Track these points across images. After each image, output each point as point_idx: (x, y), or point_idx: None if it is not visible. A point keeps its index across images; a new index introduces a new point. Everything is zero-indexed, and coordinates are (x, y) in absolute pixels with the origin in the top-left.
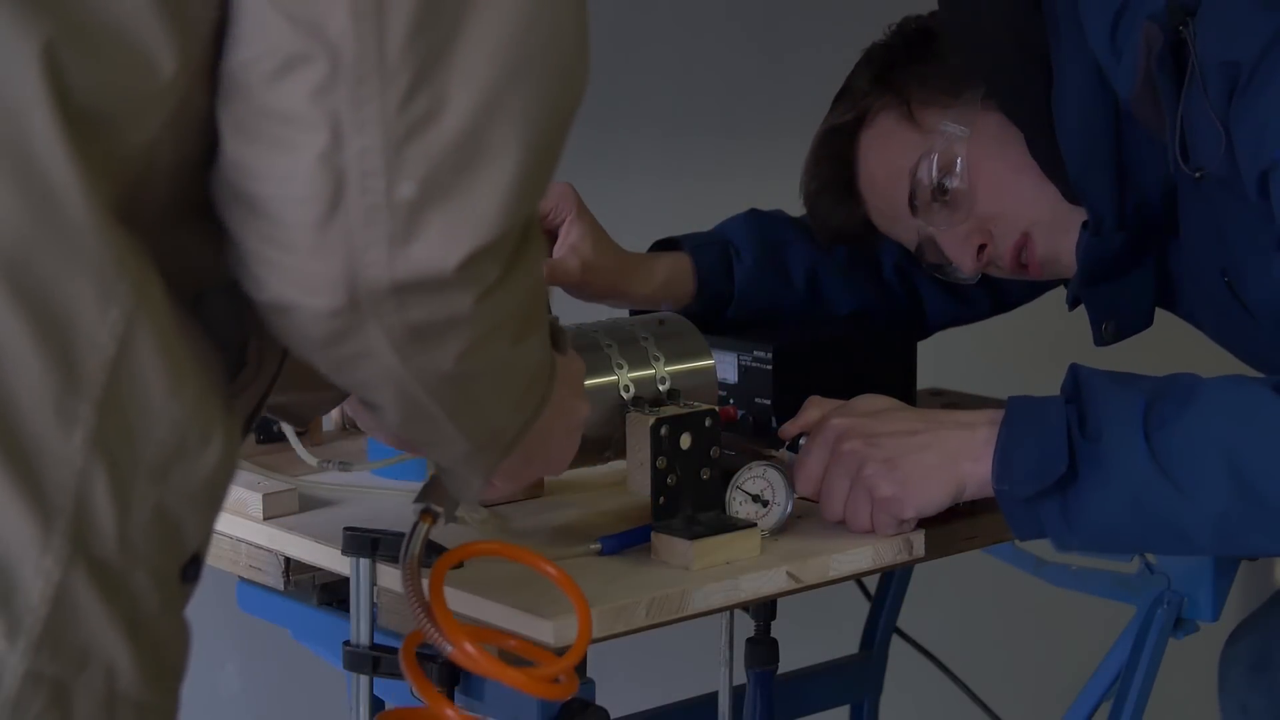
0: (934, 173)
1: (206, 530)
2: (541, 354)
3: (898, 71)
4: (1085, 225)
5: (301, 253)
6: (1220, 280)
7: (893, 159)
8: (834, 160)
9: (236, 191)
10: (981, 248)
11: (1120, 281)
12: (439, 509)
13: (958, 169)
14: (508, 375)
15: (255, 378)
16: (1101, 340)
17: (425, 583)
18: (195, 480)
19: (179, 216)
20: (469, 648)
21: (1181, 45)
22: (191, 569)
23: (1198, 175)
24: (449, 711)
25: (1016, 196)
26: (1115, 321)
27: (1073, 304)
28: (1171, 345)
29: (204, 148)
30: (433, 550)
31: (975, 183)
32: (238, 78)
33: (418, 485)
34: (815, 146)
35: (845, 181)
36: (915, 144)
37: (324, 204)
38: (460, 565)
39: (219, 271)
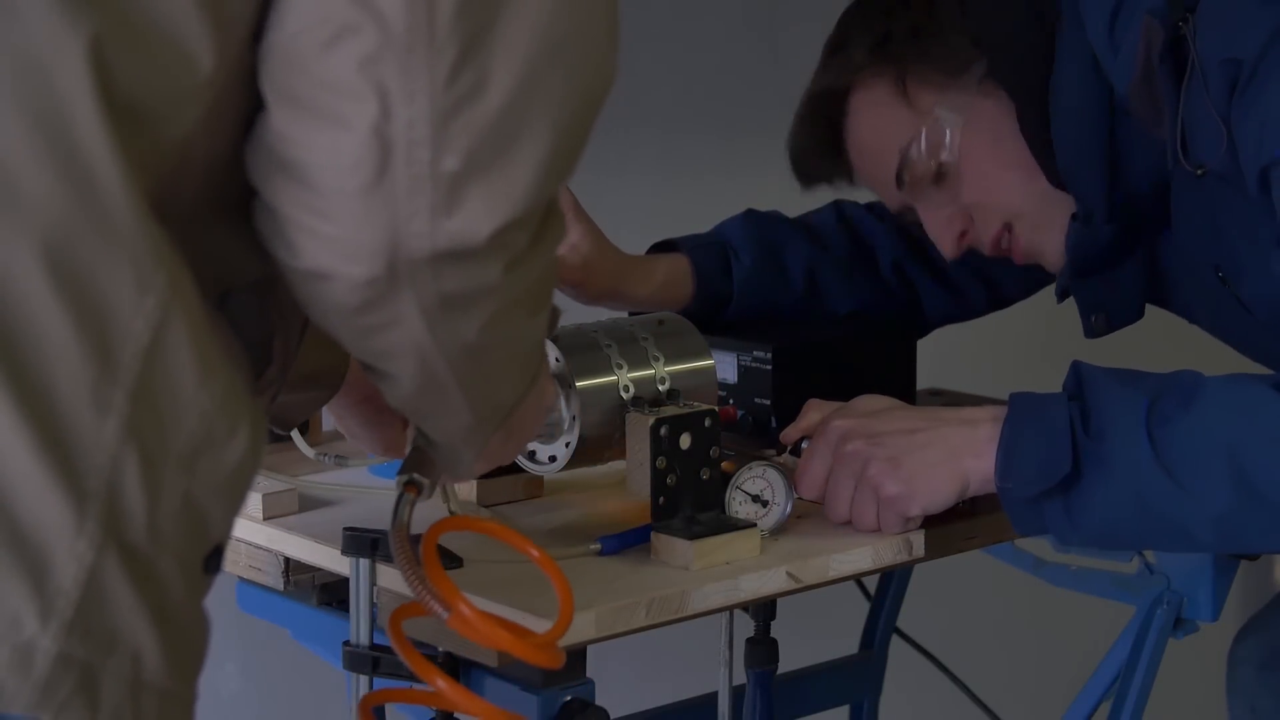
0: (924, 155)
1: (229, 522)
2: (544, 330)
3: (896, 43)
4: (1074, 217)
5: (343, 221)
6: (1214, 276)
7: (883, 133)
8: (823, 122)
9: (279, 160)
10: (963, 233)
11: (1110, 274)
12: (424, 480)
13: (948, 156)
14: (519, 348)
15: (279, 376)
16: (1092, 332)
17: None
18: (222, 471)
19: (209, 214)
20: (465, 609)
21: (1181, 41)
22: (214, 560)
23: (1199, 172)
24: (440, 681)
25: (1003, 189)
26: (1105, 313)
27: (1061, 296)
28: (1170, 342)
29: (235, 147)
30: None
31: (963, 171)
32: (288, 48)
33: None
34: (805, 107)
35: (832, 142)
36: (908, 122)
37: (370, 173)
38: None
39: (246, 270)
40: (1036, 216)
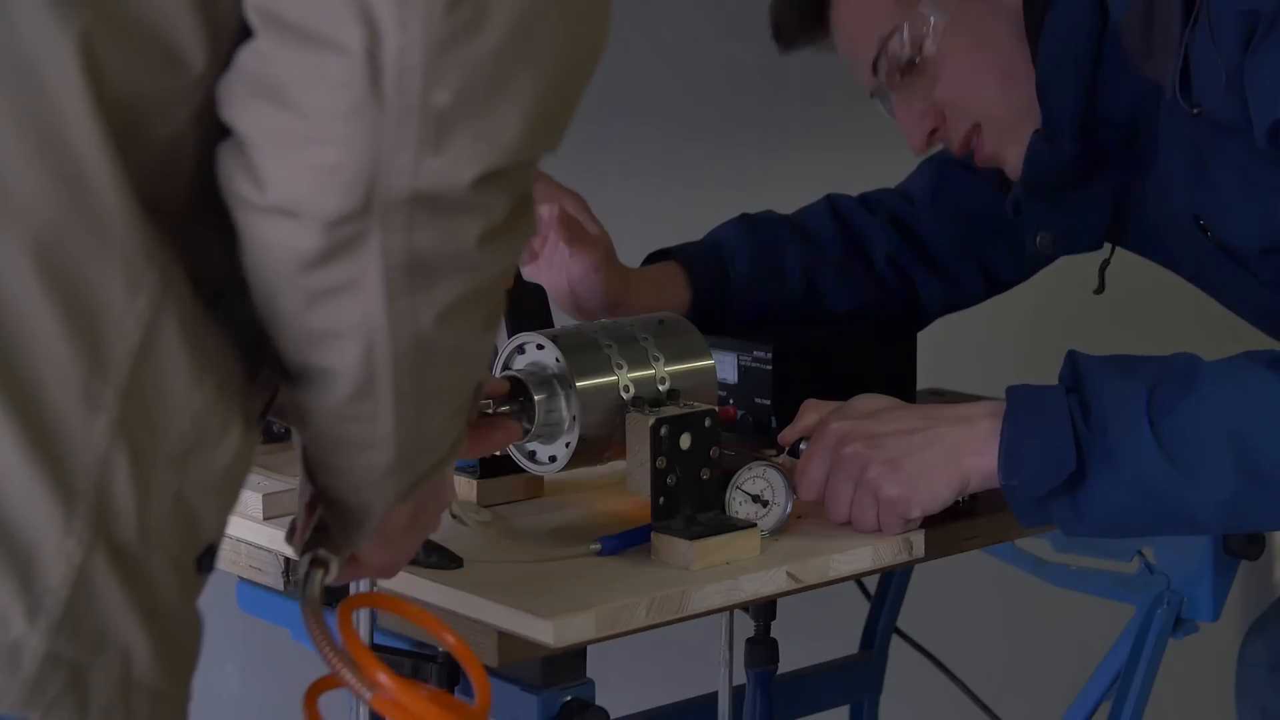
0: (904, 47)
1: (222, 522)
2: (482, 371)
3: None
4: (1037, 132)
5: (326, 144)
6: (1193, 224)
7: (867, 19)
8: None
9: (262, 82)
10: (933, 130)
11: (1065, 198)
12: (331, 557)
13: (928, 51)
14: (462, 369)
15: (273, 375)
16: (1034, 249)
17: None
18: (213, 471)
19: (202, 213)
20: (386, 682)
21: None
22: (206, 559)
23: (1196, 111)
24: None
25: (977, 91)
26: (1053, 235)
27: (1013, 209)
28: (1166, 335)
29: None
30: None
31: (941, 70)
32: None
33: None
34: None
35: (815, 12)
36: (892, 12)
37: (358, 94)
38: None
39: (240, 269)
40: (1004, 124)
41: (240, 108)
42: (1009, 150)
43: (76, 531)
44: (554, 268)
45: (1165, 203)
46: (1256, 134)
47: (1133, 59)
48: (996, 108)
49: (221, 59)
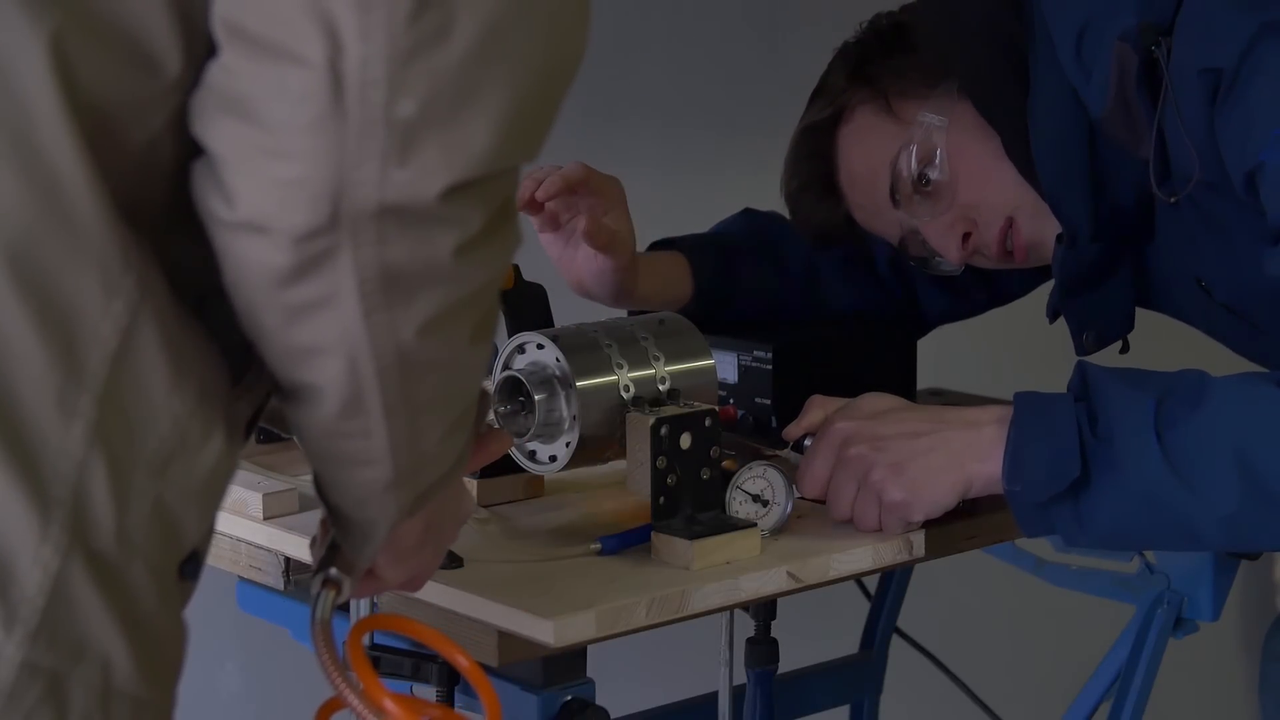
0: (914, 164)
1: (206, 528)
2: (479, 383)
3: (873, 66)
4: (1059, 239)
5: (290, 158)
6: (1196, 285)
7: (872, 152)
8: (813, 158)
9: (228, 97)
10: (966, 236)
11: (1098, 290)
12: (343, 578)
13: (938, 159)
14: (454, 382)
15: (258, 381)
16: (1083, 350)
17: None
18: (195, 477)
19: (180, 217)
20: (390, 705)
21: (1154, 64)
22: (190, 566)
23: (1172, 200)
24: None
25: (998, 183)
26: (1095, 330)
27: (1053, 316)
28: (1170, 340)
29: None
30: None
31: (956, 171)
32: None
33: None
34: (794, 144)
35: (825, 178)
36: (894, 136)
37: (320, 107)
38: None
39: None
40: (1036, 205)
41: (208, 123)
42: (1047, 232)
43: (53, 539)
44: (576, 260)
45: (1169, 266)
46: (1235, 185)
47: (1127, 149)
48: (1023, 192)
49: (198, 65)
